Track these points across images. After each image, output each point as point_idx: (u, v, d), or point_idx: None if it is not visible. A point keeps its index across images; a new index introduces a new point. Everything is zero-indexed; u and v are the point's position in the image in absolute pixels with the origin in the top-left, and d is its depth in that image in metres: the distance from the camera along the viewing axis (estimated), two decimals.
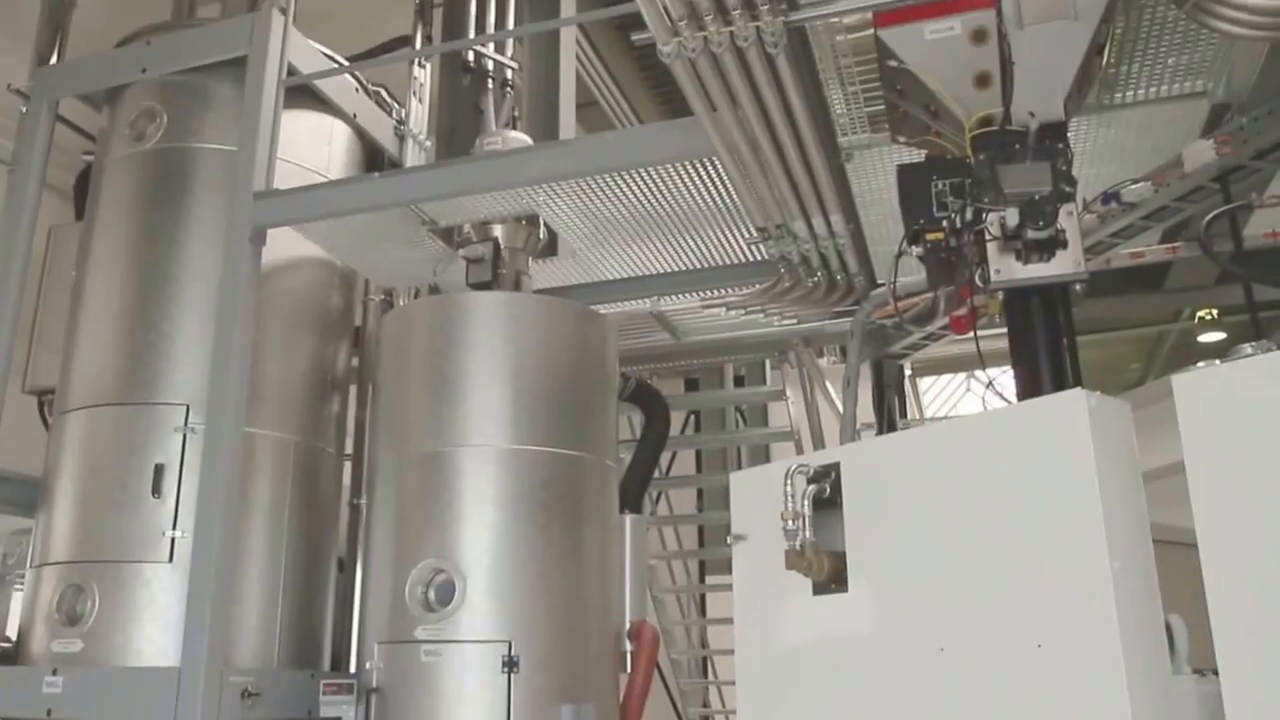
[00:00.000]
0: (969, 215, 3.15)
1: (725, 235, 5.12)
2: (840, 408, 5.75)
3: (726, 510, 3.42)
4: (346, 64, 5.71)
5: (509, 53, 6.12)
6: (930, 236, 3.24)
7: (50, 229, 5.81)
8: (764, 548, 3.12)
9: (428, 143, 6.15)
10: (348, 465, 5.61)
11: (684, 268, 5.56)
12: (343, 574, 5.35)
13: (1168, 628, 2.48)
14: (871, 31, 3.73)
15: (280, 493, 4.94)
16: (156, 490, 4.63)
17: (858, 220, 4.88)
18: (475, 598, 4.41)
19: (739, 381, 8.48)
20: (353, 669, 4.92)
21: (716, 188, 4.59)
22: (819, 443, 6.35)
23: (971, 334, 3.49)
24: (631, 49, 6.67)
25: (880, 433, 5.84)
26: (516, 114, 6.02)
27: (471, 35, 6.15)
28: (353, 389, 5.69)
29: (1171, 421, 2.44)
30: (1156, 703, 2.36)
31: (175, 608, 4.44)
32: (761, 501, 3.16)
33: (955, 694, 2.64)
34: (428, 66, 6.26)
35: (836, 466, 3.06)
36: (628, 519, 5.02)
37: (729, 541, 3.35)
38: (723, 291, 5.65)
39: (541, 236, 5.42)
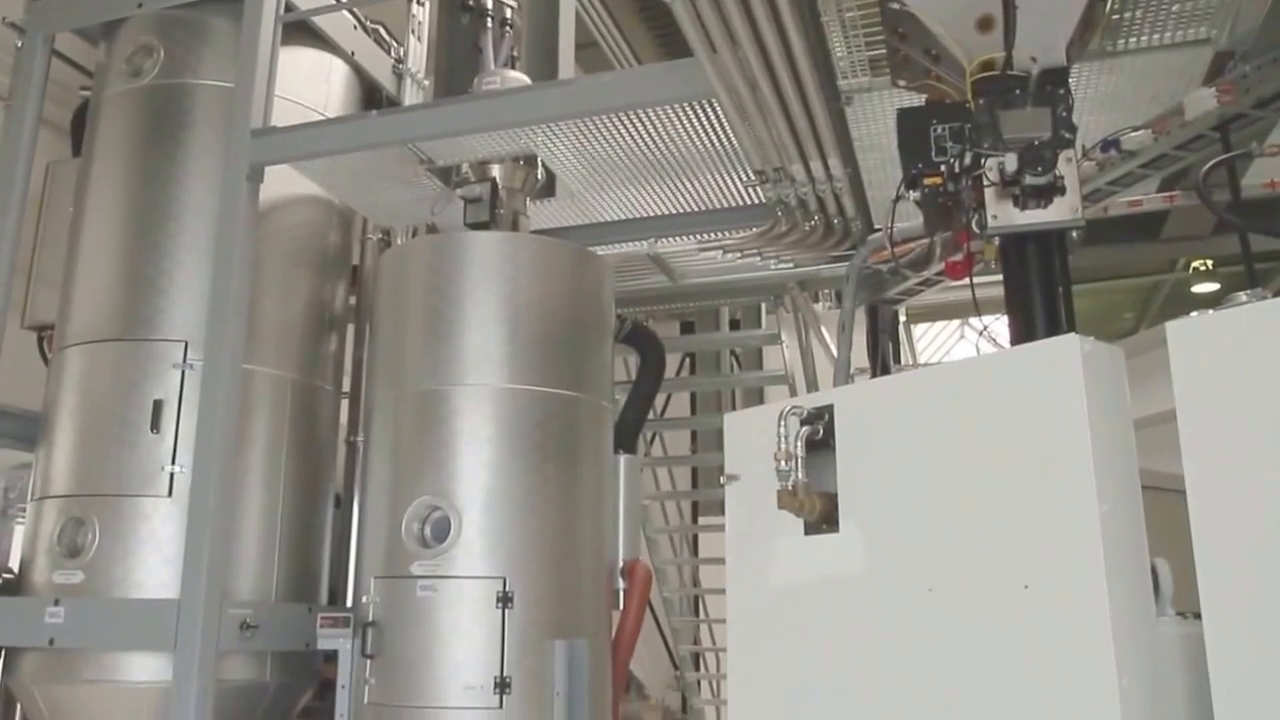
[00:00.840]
0: (968, 160, 3.15)
1: (723, 178, 5.11)
2: (835, 352, 5.78)
3: (720, 453, 3.43)
4: (345, 0, 5.66)
5: None
6: (928, 181, 3.24)
7: (48, 165, 5.79)
8: (757, 488, 3.14)
9: (426, 81, 6.11)
10: (345, 403, 5.64)
11: (682, 210, 5.56)
12: (340, 510, 5.41)
13: (1153, 571, 2.51)
14: None
15: (278, 429, 4.98)
16: (155, 426, 4.67)
17: (856, 164, 4.87)
18: (471, 534, 4.46)
19: (734, 325, 8.51)
20: (349, 603, 4.98)
21: (715, 130, 4.58)
22: (813, 387, 6.38)
23: (967, 280, 3.49)
24: None
25: (874, 378, 5.85)
26: (515, 53, 5.97)
27: None
28: (350, 327, 5.71)
29: (1163, 370, 2.44)
30: (1140, 643, 2.40)
31: (175, 541, 4.50)
32: (755, 443, 3.18)
33: (943, 632, 2.68)
34: (426, 4, 6.21)
35: (830, 408, 3.07)
36: (622, 459, 5.06)
37: (722, 481, 3.37)
38: (720, 234, 5.65)
39: (539, 177, 5.41)
